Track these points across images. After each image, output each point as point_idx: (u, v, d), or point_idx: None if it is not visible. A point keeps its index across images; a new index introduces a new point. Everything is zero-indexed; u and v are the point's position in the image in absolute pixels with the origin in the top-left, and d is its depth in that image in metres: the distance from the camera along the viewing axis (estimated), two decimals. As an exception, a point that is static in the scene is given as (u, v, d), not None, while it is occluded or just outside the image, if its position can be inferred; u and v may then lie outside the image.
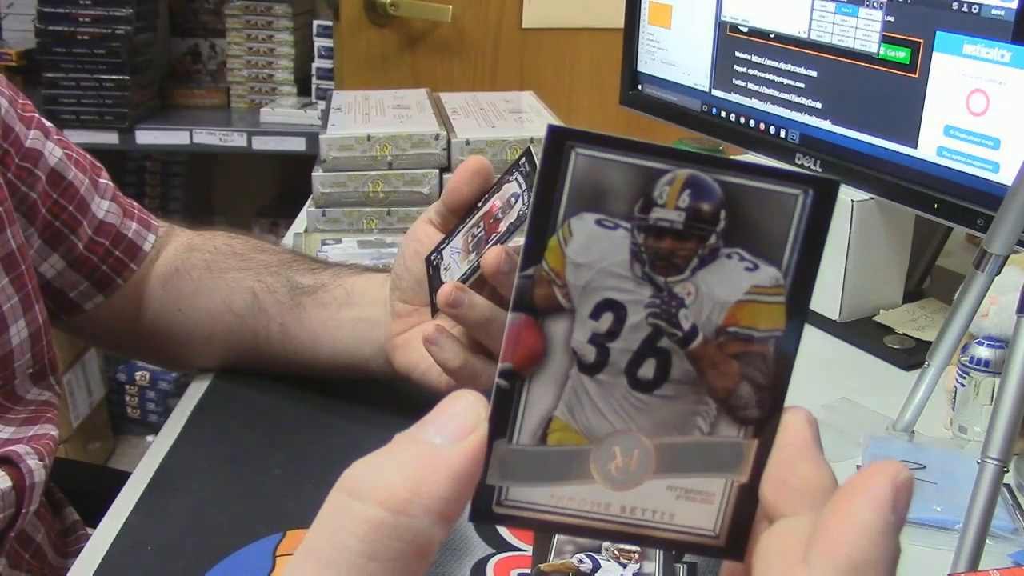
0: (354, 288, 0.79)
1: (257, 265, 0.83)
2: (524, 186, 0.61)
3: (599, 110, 1.99)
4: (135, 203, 0.89)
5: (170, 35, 2.52)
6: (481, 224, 0.64)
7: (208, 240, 0.87)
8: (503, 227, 0.62)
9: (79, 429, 2.34)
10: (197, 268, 0.84)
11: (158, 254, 0.87)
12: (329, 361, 0.79)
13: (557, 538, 0.64)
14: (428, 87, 1.42)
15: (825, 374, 0.93)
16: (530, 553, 0.63)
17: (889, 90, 0.94)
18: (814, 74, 1.02)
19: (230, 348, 0.83)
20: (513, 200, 0.62)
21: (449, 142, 1.15)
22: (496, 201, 0.64)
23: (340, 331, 0.78)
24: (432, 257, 0.69)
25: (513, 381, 0.28)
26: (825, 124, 1.02)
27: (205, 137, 2.27)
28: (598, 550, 0.63)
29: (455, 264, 0.66)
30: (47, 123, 0.81)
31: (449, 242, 0.67)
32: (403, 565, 0.26)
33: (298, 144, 2.25)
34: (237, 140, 2.27)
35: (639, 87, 1.29)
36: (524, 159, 0.63)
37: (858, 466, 0.76)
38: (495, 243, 0.63)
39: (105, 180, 0.86)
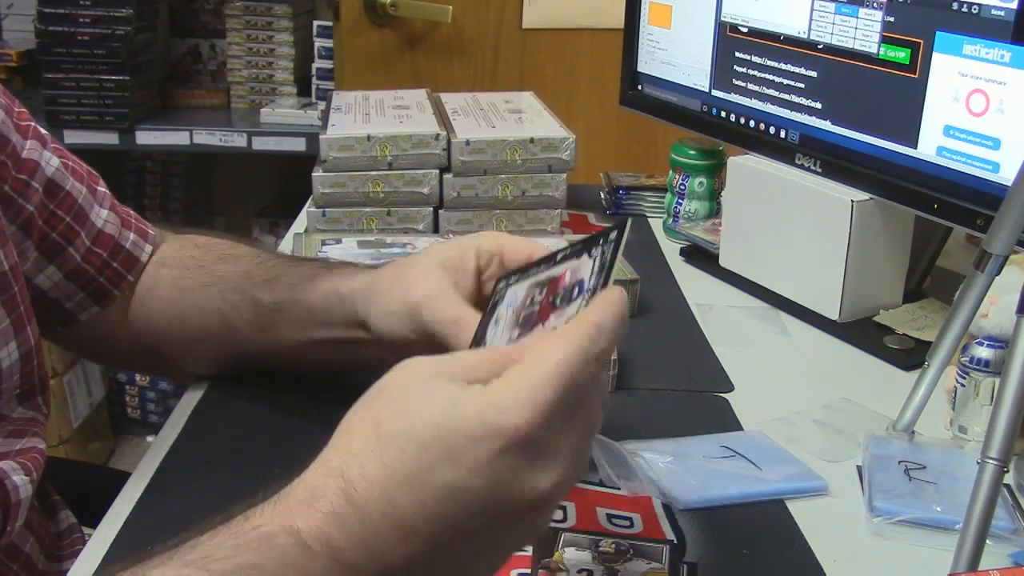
0: (314, 306, 0.77)
1: (218, 280, 0.82)
2: (592, 283, 0.52)
3: (599, 110, 1.99)
4: (131, 212, 0.88)
5: (170, 35, 2.51)
6: (543, 292, 0.55)
7: (178, 251, 0.86)
8: (550, 321, 0.53)
9: (79, 429, 2.34)
10: (165, 286, 0.84)
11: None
12: (322, 365, 0.80)
13: (560, 539, 0.64)
14: (428, 87, 1.42)
15: (825, 374, 0.93)
16: (530, 553, 0.63)
17: (889, 90, 0.94)
18: (814, 74, 1.02)
19: (219, 362, 0.84)
20: (576, 292, 0.53)
21: (449, 142, 1.15)
22: (568, 273, 0.54)
23: (324, 348, 0.78)
24: (500, 286, 0.59)
25: None
26: (825, 124, 1.02)
27: (205, 137, 2.26)
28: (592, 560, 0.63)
29: (502, 325, 0.57)
30: (43, 131, 0.80)
31: (521, 281, 0.58)
32: None
33: (298, 144, 2.25)
34: (237, 140, 2.26)
35: (639, 87, 1.29)
36: (615, 236, 0.52)
37: (858, 467, 0.76)
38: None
39: (103, 189, 0.85)
